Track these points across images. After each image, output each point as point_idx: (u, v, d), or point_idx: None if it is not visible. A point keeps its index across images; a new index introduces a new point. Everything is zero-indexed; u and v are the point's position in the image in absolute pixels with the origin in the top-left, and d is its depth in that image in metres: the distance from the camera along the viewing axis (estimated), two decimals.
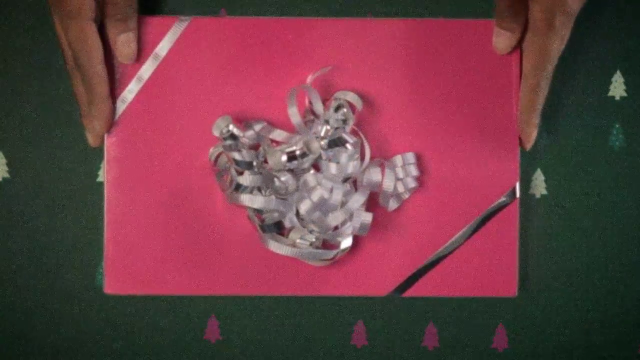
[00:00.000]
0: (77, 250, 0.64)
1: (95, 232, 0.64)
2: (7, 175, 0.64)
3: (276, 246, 0.59)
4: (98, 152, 0.64)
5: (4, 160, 0.64)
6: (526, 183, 0.65)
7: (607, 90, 0.65)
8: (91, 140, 0.61)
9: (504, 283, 0.62)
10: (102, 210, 0.64)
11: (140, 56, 0.60)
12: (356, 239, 0.61)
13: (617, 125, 0.65)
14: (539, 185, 0.65)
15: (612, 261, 0.65)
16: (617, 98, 0.65)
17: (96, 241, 0.64)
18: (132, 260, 0.61)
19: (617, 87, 0.65)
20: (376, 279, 0.62)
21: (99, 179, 0.64)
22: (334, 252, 0.60)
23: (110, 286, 0.61)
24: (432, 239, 0.62)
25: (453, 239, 0.62)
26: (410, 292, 0.62)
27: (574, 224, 0.65)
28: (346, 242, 0.60)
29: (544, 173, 0.65)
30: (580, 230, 0.65)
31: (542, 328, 0.65)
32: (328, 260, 0.60)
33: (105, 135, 0.61)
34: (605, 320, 0.65)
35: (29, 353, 0.65)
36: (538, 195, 0.65)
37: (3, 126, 0.64)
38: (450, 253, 0.62)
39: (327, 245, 0.61)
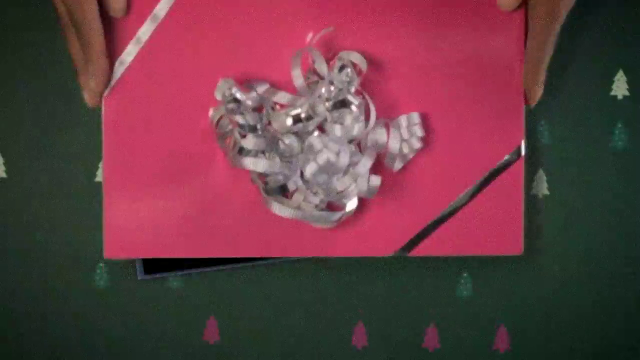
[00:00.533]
0: (75, 250, 0.64)
1: (94, 231, 0.64)
2: (4, 175, 0.63)
3: (280, 208, 0.58)
4: (96, 152, 0.64)
5: (1, 160, 0.64)
6: (528, 183, 0.64)
7: (610, 89, 0.65)
8: (88, 99, 0.59)
9: (510, 241, 0.61)
10: (100, 210, 0.64)
11: (138, 17, 0.59)
12: (361, 200, 0.60)
13: (619, 125, 0.65)
14: (542, 185, 0.65)
15: (616, 261, 0.65)
16: (620, 97, 0.65)
17: (94, 241, 0.64)
18: (133, 224, 0.60)
19: (620, 87, 0.65)
20: (382, 239, 0.61)
21: (97, 178, 0.64)
22: (339, 214, 0.59)
23: (110, 250, 0.60)
24: (438, 198, 0.61)
25: (458, 197, 0.61)
26: (415, 252, 0.61)
27: (577, 225, 0.65)
28: (351, 204, 0.59)
29: (547, 173, 0.65)
30: (583, 231, 0.65)
31: (543, 329, 0.65)
32: (333, 222, 0.59)
33: (103, 99, 0.60)
34: (608, 321, 0.65)
35: (27, 353, 0.64)
36: (540, 196, 0.65)
37: (0, 126, 0.64)
38: (455, 212, 0.61)
39: (331, 206, 0.60)
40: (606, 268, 0.65)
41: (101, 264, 0.64)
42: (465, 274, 0.65)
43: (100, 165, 0.64)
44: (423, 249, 0.61)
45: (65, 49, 0.64)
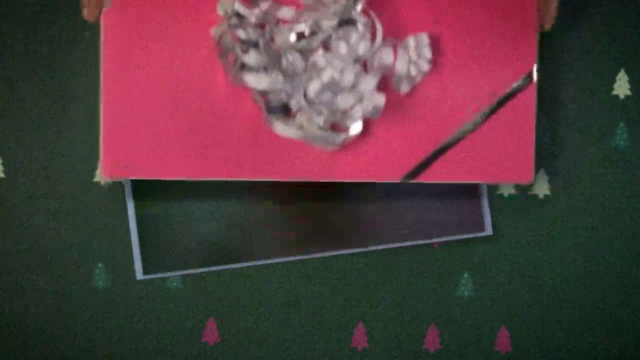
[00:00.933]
0: (73, 249, 0.64)
1: (92, 231, 0.64)
2: (3, 175, 0.63)
3: (282, 128, 0.56)
4: (95, 152, 0.64)
5: None
6: (529, 184, 0.64)
7: (612, 89, 0.64)
8: (87, 14, 0.57)
9: (520, 169, 0.59)
10: (98, 210, 0.64)
11: None
12: (366, 123, 0.58)
13: (621, 125, 0.64)
14: (542, 185, 0.64)
15: (617, 262, 0.65)
16: (622, 97, 0.65)
17: (93, 241, 0.64)
18: (131, 144, 0.58)
19: (622, 86, 0.64)
20: (388, 164, 0.59)
21: (96, 178, 0.64)
22: (343, 135, 0.57)
23: (107, 170, 0.58)
24: (446, 123, 0.59)
25: (467, 123, 0.59)
26: (422, 178, 0.59)
27: (578, 225, 0.65)
28: (356, 127, 0.57)
29: (547, 173, 0.64)
30: (585, 231, 0.65)
31: (545, 330, 0.65)
32: (337, 144, 0.57)
33: (102, 14, 0.58)
34: (609, 322, 0.65)
35: (27, 353, 0.64)
36: (541, 196, 0.64)
37: None
38: (464, 137, 0.59)
39: (336, 128, 0.58)
40: (607, 268, 0.65)
41: (100, 264, 0.64)
42: (465, 274, 0.65)
43: (99, 165, 0.63)
44: (430, 175, 0.59)
45: (65, 49, 0.64)
